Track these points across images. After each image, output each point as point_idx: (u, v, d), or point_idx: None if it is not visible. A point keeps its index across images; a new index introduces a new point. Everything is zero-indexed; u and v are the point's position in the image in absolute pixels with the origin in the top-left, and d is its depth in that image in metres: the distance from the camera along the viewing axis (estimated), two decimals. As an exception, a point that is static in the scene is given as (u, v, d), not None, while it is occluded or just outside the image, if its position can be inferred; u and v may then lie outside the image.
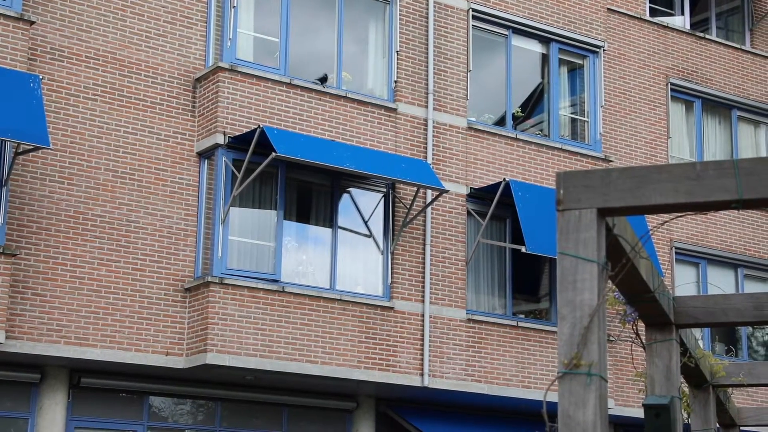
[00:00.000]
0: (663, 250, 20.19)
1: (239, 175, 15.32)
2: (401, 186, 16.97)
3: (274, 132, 15.34)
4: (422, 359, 16.72)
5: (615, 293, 5.13)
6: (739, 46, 22.32)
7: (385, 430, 17.68)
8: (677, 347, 5.08)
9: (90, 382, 15.33)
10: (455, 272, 17.42)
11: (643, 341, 5.26)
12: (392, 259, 16.90)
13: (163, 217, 15.53)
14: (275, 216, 16.19)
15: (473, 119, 18.34)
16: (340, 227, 16.72)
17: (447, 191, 16.91)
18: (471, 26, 18.48)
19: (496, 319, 17.65)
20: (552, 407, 3.52)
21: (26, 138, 13.59)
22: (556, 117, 19.35)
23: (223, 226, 15.52)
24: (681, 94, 21.44)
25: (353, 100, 16.84)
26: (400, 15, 17.75)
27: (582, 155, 19.02)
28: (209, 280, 15.13)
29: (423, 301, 16.97)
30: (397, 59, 17.60)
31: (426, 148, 17.50)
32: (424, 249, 17.17)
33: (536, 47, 19.53)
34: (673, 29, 21.50)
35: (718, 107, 22.01)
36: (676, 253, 20.47)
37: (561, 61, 19.63)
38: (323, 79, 16.60)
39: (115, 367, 15.19)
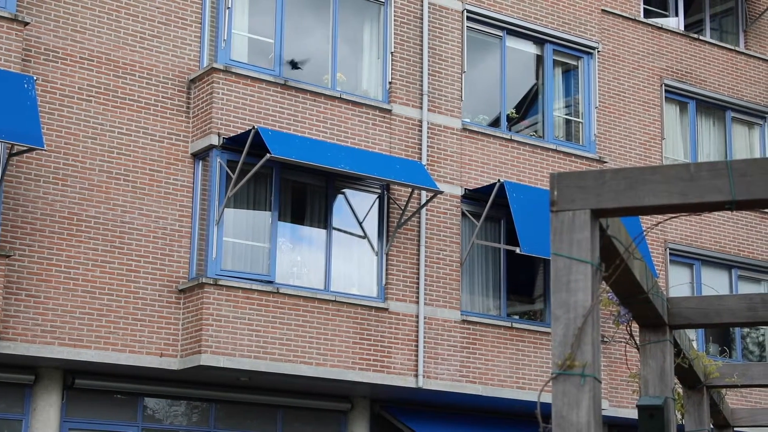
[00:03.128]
0: (657, 251, 20.21)
1: (234, 176, 15.31)
2: (396, 187, 16.98)
3: (268, 133, 15.34)
4: (417, 360, 16.72)
5: (609, 294, 5.14)
6: (733, 48, 22.36)
7: (380, 431, 17.68)
8: (671, 348, 5.09)
9: (84, 384, 15.31)
10: (450, 273, 17.42)
11: (637, 342, 5.27)
12: (387, 260, 16.90)
13: (158, 218, 15.53)
14: (270, 217, 16.19)
15: (468, 120, 18.35)
16: (334, 228, 16.72)
17: (441, 192, 16.92)
18: (465, 27, 18.49)
19: (491, 320, 17.66)
20: (546, 408, 3.53)
21: (20, 139, 13.58)
22: (551, 118, 19.37)
23: (217, 227, 15.52)
24: (675, 96, 21.48)
25: (348, 101, 16.85)
26: (394, 16, 17.76)
27: (576, 156, 19.04)
28: (203, 281, 15.12)
29: (417, 302, 16.98)
30: (392, 60, 17.61)
31: (420, 149, 17.51)
32: (418, 250, 17.18)
33: (531, 48, 19.55)
34: (667, 30, 21.53)
35: (712, 108, 22.04)
36: (670, 254, 20.50)
37: (555, 62, 19.65)
38: (294, 65, 16.50)
39: (110, 369, 15.17)
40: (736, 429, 8.10)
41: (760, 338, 22.09)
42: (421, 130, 17.61)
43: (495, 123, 18.91)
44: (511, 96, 19.25)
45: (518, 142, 18.54)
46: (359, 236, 16.97)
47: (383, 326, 16.53)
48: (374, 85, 17.69)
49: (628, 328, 5.77)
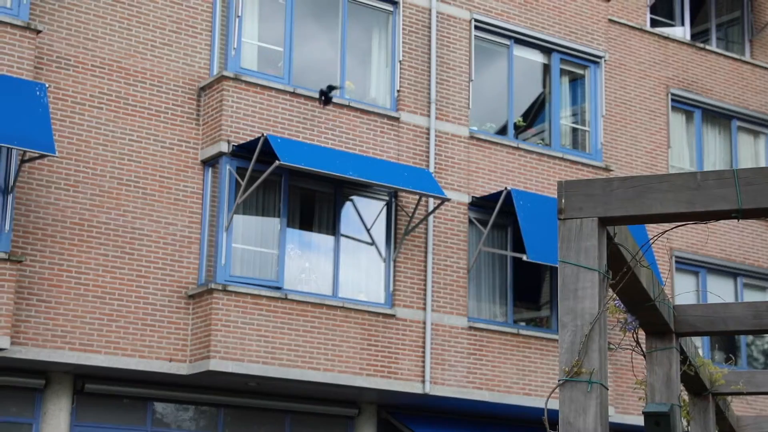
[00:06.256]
0: (663, 259, 20.24)
1: (243, 183, 15.39)
2: (403, 194, 17.04)
3: (277, 140, 15.42)
4: (424, 366, 16.77)
5: (615, 301, 5.21)
6: (739, 57, 22.39)
7: (387, 437, 17.71)
8: (677, 355, 5.14)
9: (94, 388, 15.38)
10: (457, 280, 17.47)
11: (644, 349, 5.32)
12: (394, 266, 16.96)
13: (168, 224, 15.61)
14: (278, 223, 16.26)
15: (475, 128, 18.41)
16: (342, 235, 16.78)
17: (449, 200, 16.98)
18: (473, 36, 18.56)
19: (497, 326, 17.70)
20: (553, 414, 3.59)
21: (32, 146, 13.67)
22: (558, 126, 19.42)
23: (226, 233, 15.59)
24: (681, 104, 21.51)
25: (356, 109, 16.92)
26: (402, 24, 17.83)
27: (583, 164, 19.09)
28: (213, 287, 15.19)
29: (425, 309, 17.03)
30: (400, 69, 17.68)
31: (428, 156, 17.57)
32: (425, 257, 17.23)
33: (538, 57, 19.61)
34: (673, 40, 21.58)
35: (718, 117, 22.07)
36: (676, 261, 20.52)
37: (562, 71, 19.71)
38: (327, 95, 16.21)
39: (119, 373, 15.24)
40: (741, 436, 8.14)
41: (766, 346, 22.09)
42: (428, 138, 17.67)
43: (502, 131, 18.97)
44: (518, 104, 19.30)
45: (525, 150, 18.59)
46: (367, 243, 17.03)
47: (390, 332, 16.58)
48: (382, 93, 17.76)
49: (635, 336, 5.84)
